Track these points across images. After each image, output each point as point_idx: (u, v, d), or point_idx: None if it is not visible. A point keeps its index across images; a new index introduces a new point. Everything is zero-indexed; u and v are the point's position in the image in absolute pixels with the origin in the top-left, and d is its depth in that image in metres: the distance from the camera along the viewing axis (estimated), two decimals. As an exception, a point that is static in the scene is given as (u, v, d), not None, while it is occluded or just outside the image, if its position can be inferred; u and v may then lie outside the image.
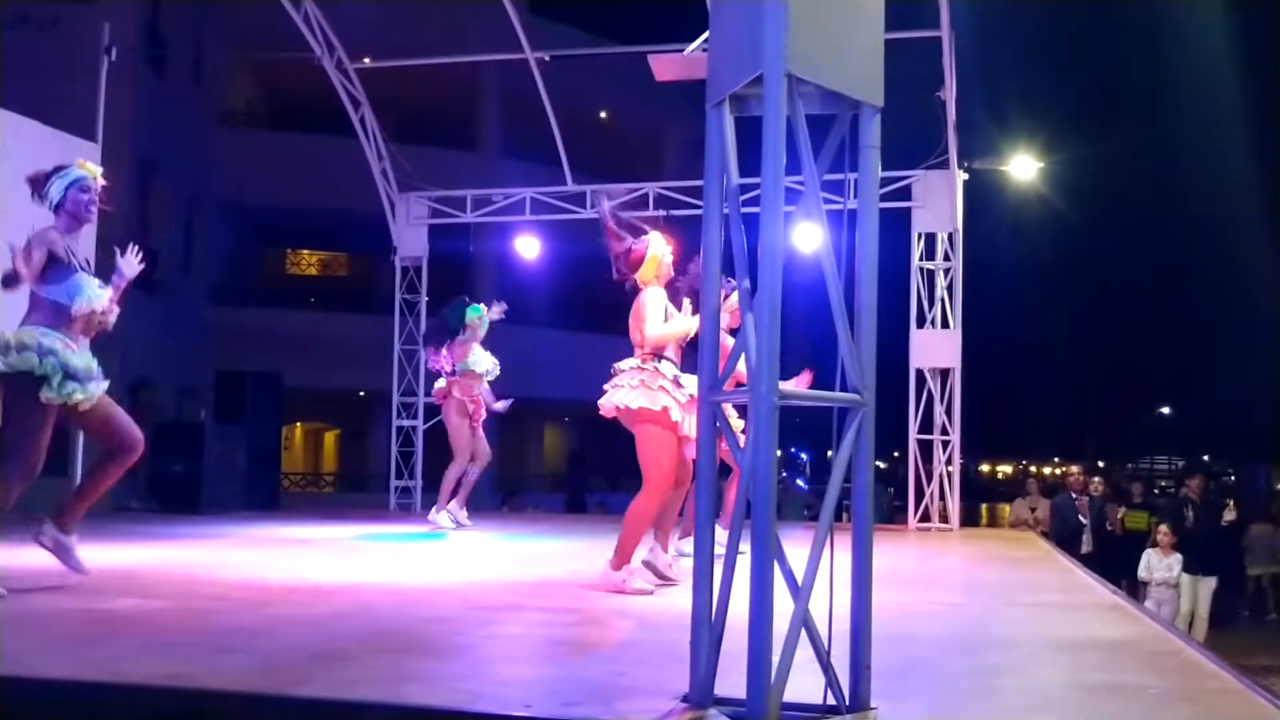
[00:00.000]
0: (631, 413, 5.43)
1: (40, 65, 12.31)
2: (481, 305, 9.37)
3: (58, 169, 5.09)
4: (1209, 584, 11.22)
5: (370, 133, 11.90)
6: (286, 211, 22.57)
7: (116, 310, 5.10)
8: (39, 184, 5.07)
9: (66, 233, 5.01)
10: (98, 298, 4.94)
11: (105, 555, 6.36)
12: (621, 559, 5.49)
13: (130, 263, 5.13)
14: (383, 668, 3.47)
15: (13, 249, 4.81)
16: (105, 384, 5.05)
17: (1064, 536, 11.39)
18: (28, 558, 5.40)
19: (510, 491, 16.89)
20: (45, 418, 4.85)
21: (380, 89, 12.00)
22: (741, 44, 3.05)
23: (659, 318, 5.58)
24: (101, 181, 5.17)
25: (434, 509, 9.33)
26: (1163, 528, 11.38)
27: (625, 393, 5.44)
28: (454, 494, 9.32)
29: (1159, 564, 11.10)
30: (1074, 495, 11.87)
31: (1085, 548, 11.54)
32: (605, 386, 5.61)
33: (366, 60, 11.64)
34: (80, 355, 4.94)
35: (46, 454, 4.91)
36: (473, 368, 9.18)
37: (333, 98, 11.70)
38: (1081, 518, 11.91)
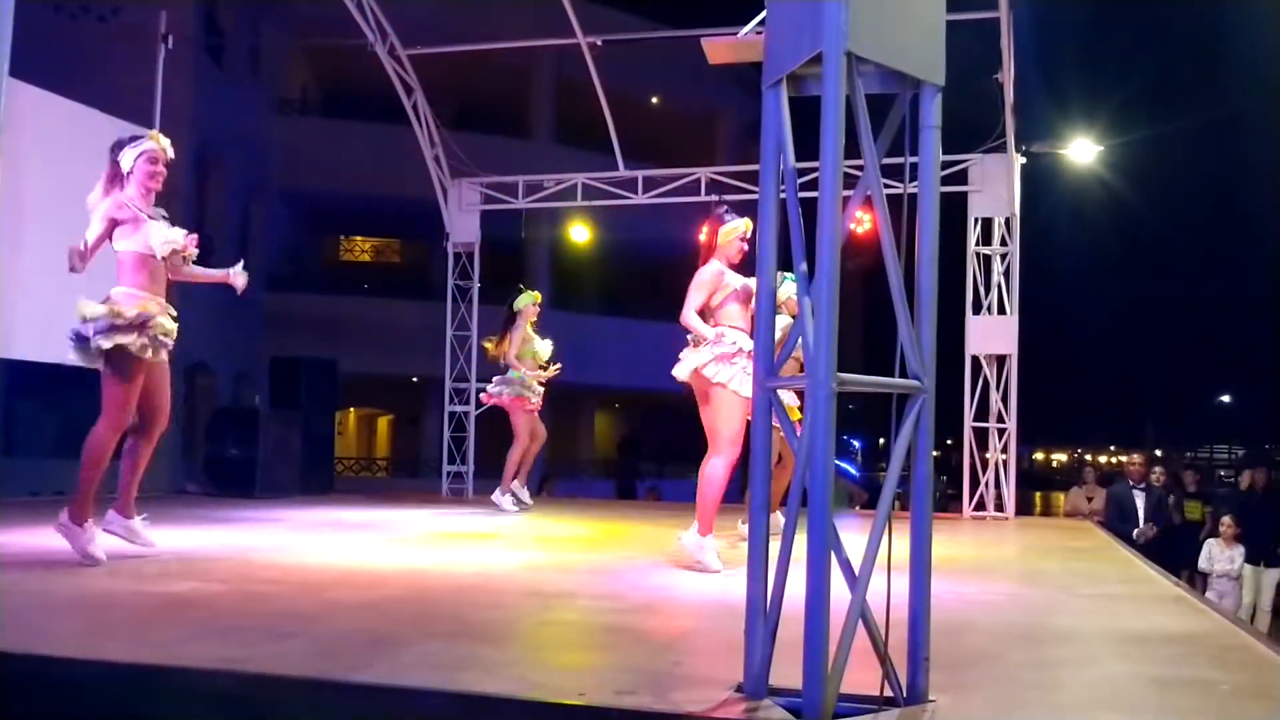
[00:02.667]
0: (699, 377, 5.63)
1: (100, 54, 12.47)
2: (535, 292, 9.49)
3: (132, 138, 5.48)
4: (1272, 575, 11.00)
5: (423, 119, 11.93)
6: (341, 198, 22.78)
7: (193, 243, 5.47)
8: (115, 150, 5.43)
9: (140, 198, 5.38)
10: (173, 237, 5.33)
11: (163, 539, 6.43)
12: (704, 526, 5.65)
13: (241, 275, 5.70)
14: (438, 653, 3.47)
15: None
16: (171, 337, 5.39)
17: (1120, 527, 11.19)
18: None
19: (546, 476, 16.93)
20: (137, 372, 5.22)
21: (433, 75, 12.03)
22: (800, 22, 2.99)
23: (698, 302, 5.76)
24: (169, 154, 5.51)
25: (497, 491, 9.43)
26: (1226, 519, 11.15)
27: (699, 362, 5.63)
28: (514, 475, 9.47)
29: (1221, 555, 10.90)
30: (1132, 484, 11.65)
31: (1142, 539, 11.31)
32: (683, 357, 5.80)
33: (419, 47, 11.66)
34: (166, 315, 5.34)
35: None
36: (535, 354, 9.33)
37: (386, 85, 11.74)
38: (1139, 508, 11.68)
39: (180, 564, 5.47)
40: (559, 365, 9.57)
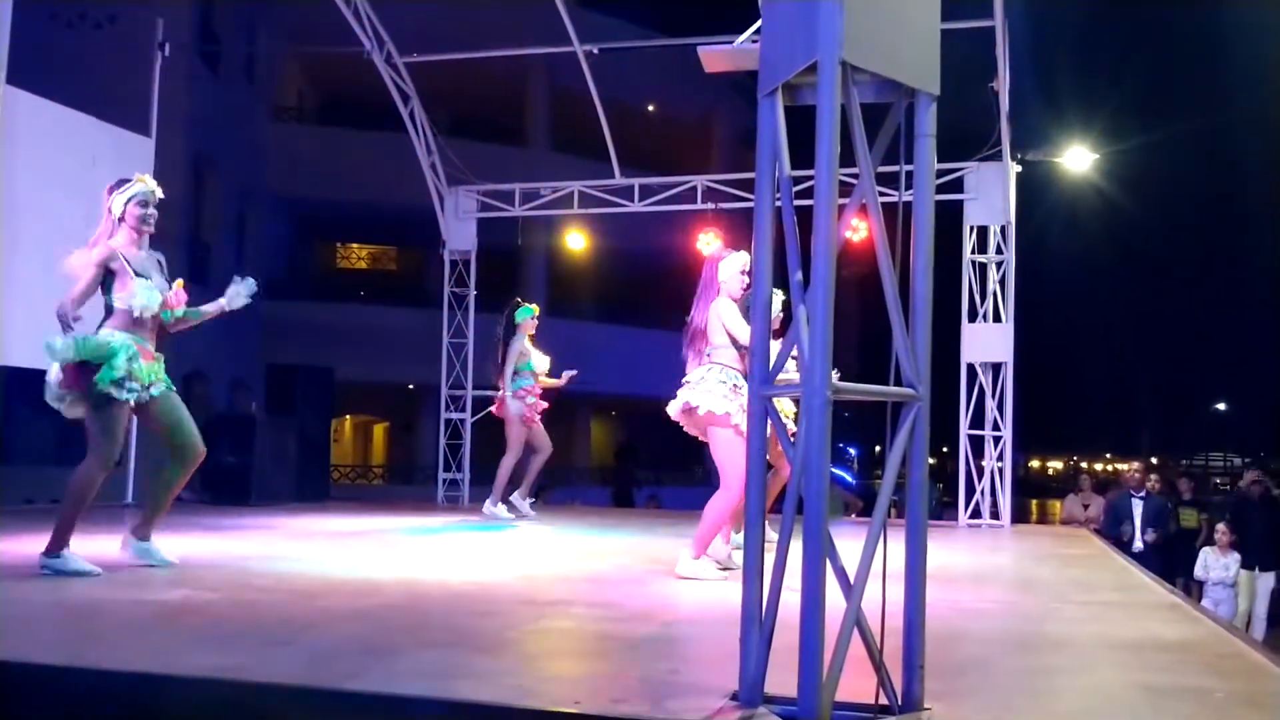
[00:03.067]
0: (708, 416, 5.66)
1: (96, 61, 12.47)
2: (533, 306, 9.48)
3: (120, 183, 5.42)
4: (1267, 581, 11.00)
5: (419, 127, 11.94)
6: (337, 206, 22.77)
7: (182, 301, 5.44)
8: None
9: (131, 243, 5.35)
10: (150, 301, 5.27)
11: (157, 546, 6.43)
12: (699, 550, 5.74)
13: (239, 294, 5.58)
14: (432, 662, 3.46)
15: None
16: (163, 388, 5.36)
17: (1117, 535, 11.20)
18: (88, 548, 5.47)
19: (542, 485, 16.91)
20: (115, 412, 5.17)
21: (429, 83, 12.04)
22: (796, 31, 3.00)
23: (739, 318, 5.81)
24: (159, 195, 5.48)
25: (489, 501, 9.41)
26: (1221, 526, 11.17)
27: (702, 396, 5.67)
28: (512, 485, 9.44)
29: (1216, 563, 10.91)
30: (1131, 492, 11.67)
31: (1138, 545, 11.32)
32: (682, 394, 5.84)
33: (415, 54, 11.67)
34: (144, 363, 5.26)
35: (121, 447, 5.30)
36: (534, 369, 9.30)
37: (382, 92, 11.76)
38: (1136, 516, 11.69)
39: (174, 572, 5.45)
40: (574, 372, 9.49)
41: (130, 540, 5.55)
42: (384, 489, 23.71)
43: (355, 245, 28.35)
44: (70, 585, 4.88)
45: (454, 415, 12.24)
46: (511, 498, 9.51)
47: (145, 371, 5.25)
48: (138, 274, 5.29)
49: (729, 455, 5.58)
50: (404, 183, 13.89)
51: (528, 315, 9.38)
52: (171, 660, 3.35)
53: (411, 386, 23.35)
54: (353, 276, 27.97)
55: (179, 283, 5.43)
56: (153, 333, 5.39)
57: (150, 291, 5.28)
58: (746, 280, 5.90)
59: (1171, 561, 11.32)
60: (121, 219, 5.34)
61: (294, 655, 3.52)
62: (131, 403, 5.21)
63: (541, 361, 9.41)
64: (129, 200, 5.34)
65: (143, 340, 5.30)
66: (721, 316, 5.81)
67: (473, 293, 12.27)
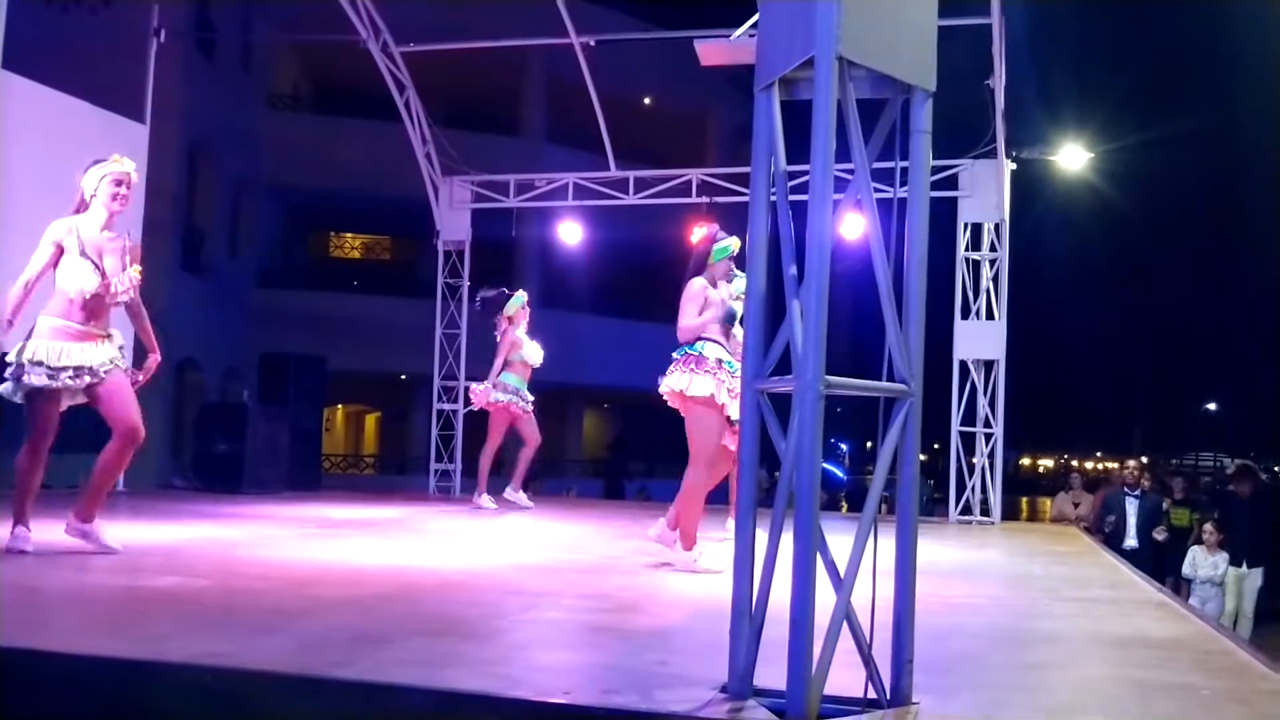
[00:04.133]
0: (681, 395, 5.67)
1: (91, 48, 12.42)
2: (523, 294, 9.50)
3: (96, 161, 5.44)
4: (1255, 579, 11.00)
5: (415, 117, 11.91)
6: (331, 195, 22.70)
7: (123, 287, 5.32)
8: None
9: (98, 222, 5.35)
10: (84, 283, 5.24)
11: (148, 533, 6.43)
12: (688, 540, 5.71)
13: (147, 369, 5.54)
14: (422, 651, 3.47)
15: None
16: (104, 373, 5.29)
17: (1109, 532, 11.23)
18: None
19: (532, 476, 16.89)
20: (35, 396, 5.28)
21: (425, 73, 12.01)
22: (793, 26, 3.00)
23: (693, 312, 5.76)
24: (133, 177, 5.49)
25: (475, 494, 9.46)
26: (1208, 525, 11.19)
27: (675, 377, 5.69)
28: (493, 475, 9.49)
29: (1204, 561, 10.92)
30: (1125, 489, 11.68)
31: (1130, 543, 11.35)
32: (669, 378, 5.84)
33: (412, 44, 11.65)
34: (75, 344, 5.25)
35: (56, 430, 5.37)
36: (527, 359, 9.30)
37: (378, 82, 11.73)
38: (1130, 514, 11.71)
39: (164, 559, 5.45)
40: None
41: (72, 522, 5.41)
42: (375, 479, 23.70)
43: (349, 235, 28.29)
44: (60, 570, 4.88)
45: (446, 406, 12.23)
46: (505, 491, 9.55)
47: (76, 354, 5.22)
48: (85, 255, 5.26)
49: (700, 433, 5.60)
50: (399, 172, 13.86)
51: (519, 305, 9.38)
52: (161, 647, 3.35)
53: (404, 377, 23.32)
54: (346, 266, 27.91)
55: (136, 269, 5.35)
56: (98, 314, 5.32)
57: (84, 272, 5.23)
58: (732, 265, 5.93)
59: (1162, 560, 11.35)
60: (93, 195, 5.34)
61: (283, 643, 3.52)
62: (56, 386, 5.20)
63: (535, 353, 9.40)
64: (103, 177, 5.34)
65: (77, 324, 5.25)
66: (684, 296, 5.80)
67: (466, 283, 12.25)
